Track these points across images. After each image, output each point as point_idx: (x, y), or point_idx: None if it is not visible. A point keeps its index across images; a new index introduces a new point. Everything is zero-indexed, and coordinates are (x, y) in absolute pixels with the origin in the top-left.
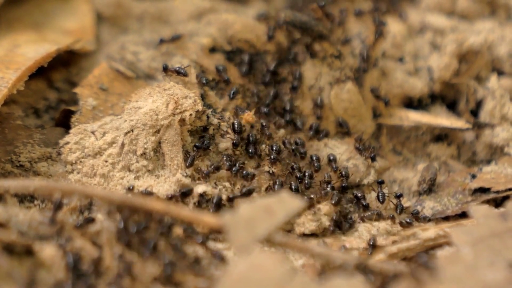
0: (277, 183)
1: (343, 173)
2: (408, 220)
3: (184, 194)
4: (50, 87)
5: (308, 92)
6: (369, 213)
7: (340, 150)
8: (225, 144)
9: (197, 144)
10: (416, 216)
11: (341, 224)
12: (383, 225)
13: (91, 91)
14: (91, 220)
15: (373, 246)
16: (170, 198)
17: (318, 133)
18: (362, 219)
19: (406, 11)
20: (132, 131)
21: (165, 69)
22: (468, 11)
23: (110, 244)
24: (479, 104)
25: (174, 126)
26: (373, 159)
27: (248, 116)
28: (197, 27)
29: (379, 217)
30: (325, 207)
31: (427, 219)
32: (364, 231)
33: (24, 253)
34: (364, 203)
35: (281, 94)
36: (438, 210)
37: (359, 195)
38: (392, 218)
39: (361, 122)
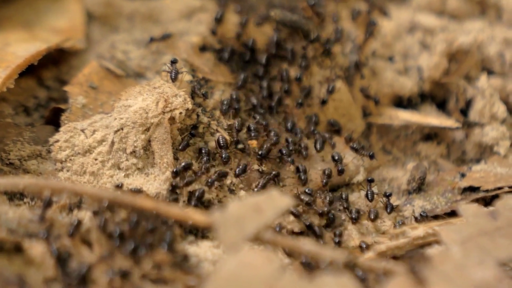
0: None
1: (326, 173)
2: (422, 214)
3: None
4: (40, 85)
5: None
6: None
7: (329, 149)
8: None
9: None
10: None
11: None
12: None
13: (81, 89)
14: (79, 223)
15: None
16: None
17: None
18: (353, 219)
19: (390, 9)
20: (122, 129)
21: (173, 62)
22: (458, 11)
23: (99, 242)
24: (468, 104)
25: (164, 125)
26: (372, 157)
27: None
28: (188, 26)
29: (376, 217)
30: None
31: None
32: (353, 229)
33: (14, 250)
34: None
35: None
36: (428, 209)
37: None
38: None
39: (351, 121)
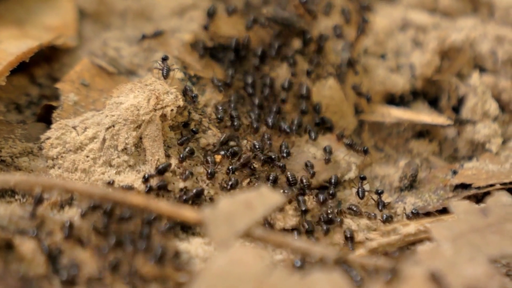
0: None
1: (290, 178)
2: (413, 211)
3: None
4: (32, 82)
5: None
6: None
7: (322, 146)
8: (206, 140)
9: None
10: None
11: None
12: (363, 220)
13: (73, 86)
14: (71, 225)
15: (351, 239)
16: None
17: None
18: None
19: (382, 6)
20: (113, 126)
21: (164, 59)
22: (451, 8)
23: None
24: (460, 101)
25: (155, 122)
26: (366, 152)
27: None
28: (180, 23)
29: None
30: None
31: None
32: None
33: (4, 247)
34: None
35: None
36: (419, 206)
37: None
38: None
39: (343, 119)
